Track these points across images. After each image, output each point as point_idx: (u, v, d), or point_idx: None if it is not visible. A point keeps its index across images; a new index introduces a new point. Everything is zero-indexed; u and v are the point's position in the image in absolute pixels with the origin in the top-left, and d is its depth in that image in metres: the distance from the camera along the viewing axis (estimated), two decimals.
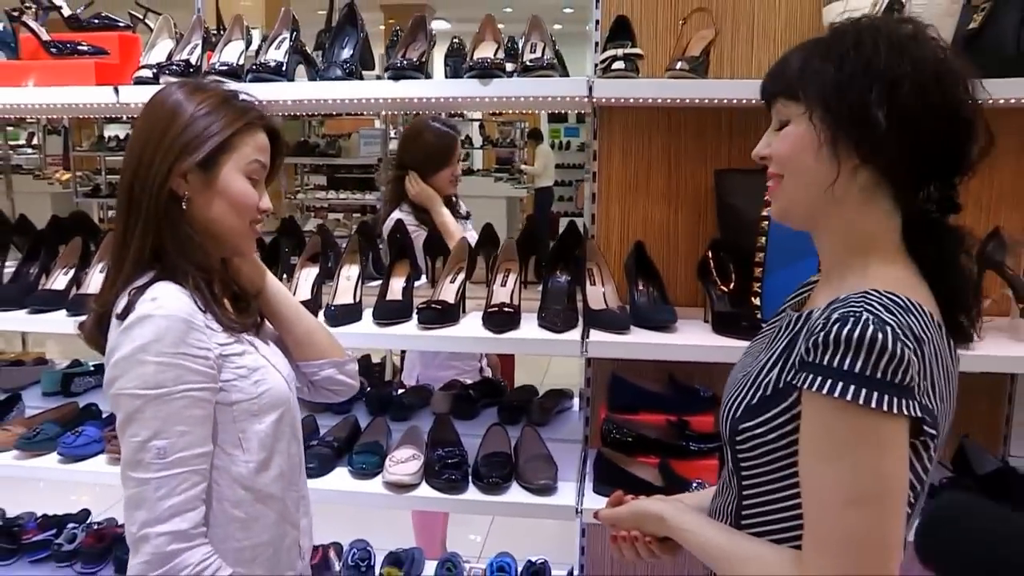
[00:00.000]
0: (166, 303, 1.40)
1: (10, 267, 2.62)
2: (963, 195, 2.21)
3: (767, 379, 1.22)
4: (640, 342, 2.11)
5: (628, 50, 2.05)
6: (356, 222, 5.36)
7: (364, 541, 2.93)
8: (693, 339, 2.10)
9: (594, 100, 2.11)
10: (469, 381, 2.97)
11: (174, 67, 2.19)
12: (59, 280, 2.43)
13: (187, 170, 1.46)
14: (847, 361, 1.07)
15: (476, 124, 11.46)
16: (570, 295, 2.30)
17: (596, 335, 2.13)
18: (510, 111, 8.45)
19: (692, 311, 2.29)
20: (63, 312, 2.31)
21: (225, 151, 1.48)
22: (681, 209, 2.43)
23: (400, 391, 2.89)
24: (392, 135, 6.88)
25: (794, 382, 1.15)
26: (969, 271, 1.24)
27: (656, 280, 2.31)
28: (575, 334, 2.13)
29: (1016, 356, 1.97)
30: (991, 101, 2.03)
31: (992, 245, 2.10)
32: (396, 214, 2.98)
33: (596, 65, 2.16)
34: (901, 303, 1.11)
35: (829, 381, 1.08)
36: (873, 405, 1.06)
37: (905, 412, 1.07)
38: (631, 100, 2.21)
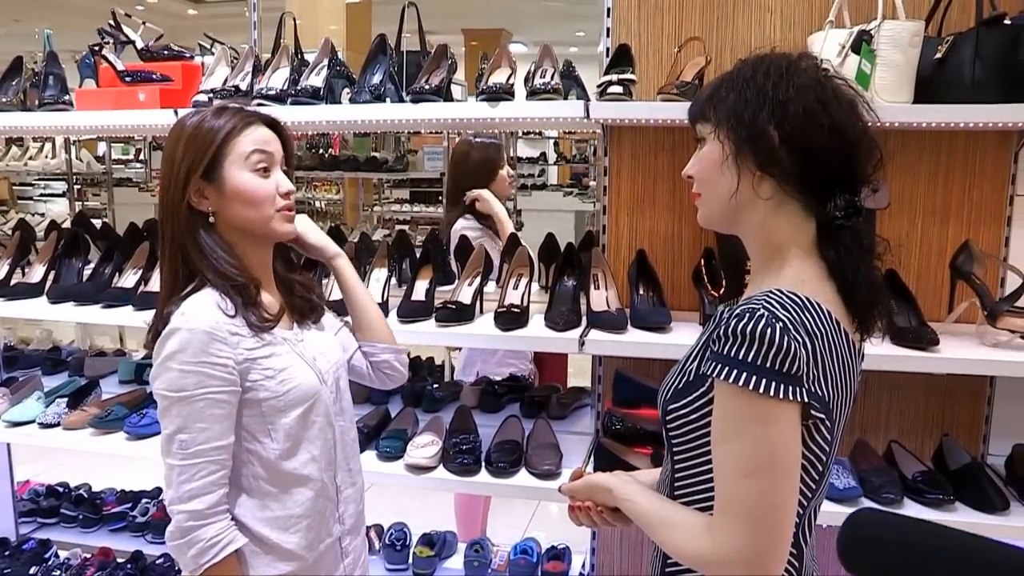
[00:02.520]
0: (192, 317, 1.55)
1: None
2: (943, 209, 2.35)
3: (691, 367, 1.39)
4: (634, 341, 2.27)
5: (622, 76, 2.23)
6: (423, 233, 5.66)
7: (402, 523, 3.17)
8: (682, 339, 2.25)
9: (591, 120, 2.28)
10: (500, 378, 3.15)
11: (225, 92, 2.45)
12: (129, 279, 2.69)
13: (199, 186, 1.59)
14: (742, 351, 1.23)
15: (551, 142, 11.58)
16: (575, 298, 2.50)
17: (595, 334, 2.30)
18: (580, 130, 8.57)
19: (690, 315, 2.45)
20: (130, 307, 2.57)
21: (222, 156, 1.60)
22: (684, 221, 2.59)
23: (435, 385, 3.12)
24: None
25: (707, 370, 1.31)
26: (873, 273, 1.37)
27: (656, 285, 2.48)
28: (575, 333, 2.31)
29: (982, 359, 2.08)
30: (961, 124, 2.17)
31: (962, 257, 2.20)
32: (459, 223, 3.20)
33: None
34: (799, 301, 1.27)
35: (727, 368, 1.24)
36: (761, 391, 1.21)
37: (791, 398, 1.21)
38: (624, 120, 2.40)
